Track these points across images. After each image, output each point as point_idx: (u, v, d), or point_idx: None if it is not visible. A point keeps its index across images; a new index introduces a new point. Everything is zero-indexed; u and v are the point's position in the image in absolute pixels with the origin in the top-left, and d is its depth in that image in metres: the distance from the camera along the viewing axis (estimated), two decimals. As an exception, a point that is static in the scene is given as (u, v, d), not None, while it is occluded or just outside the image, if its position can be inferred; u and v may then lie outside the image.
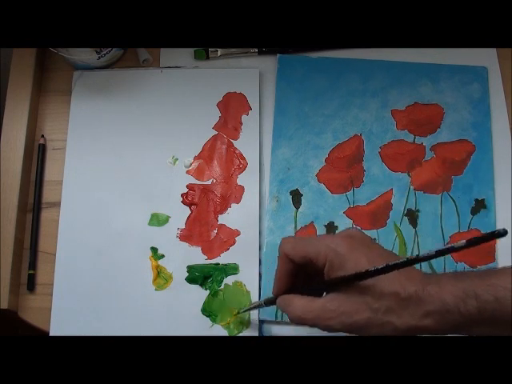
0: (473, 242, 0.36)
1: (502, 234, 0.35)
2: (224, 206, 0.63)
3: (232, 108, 0.66)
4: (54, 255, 0.61)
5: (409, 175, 0.64)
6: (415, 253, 0.61)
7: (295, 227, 0.62)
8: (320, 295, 0.46)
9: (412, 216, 0.63)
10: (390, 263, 0.41)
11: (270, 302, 0.51)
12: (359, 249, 0.45)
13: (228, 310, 0.59)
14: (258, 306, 0.56)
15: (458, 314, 0.41)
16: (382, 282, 0.43)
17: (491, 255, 0.61)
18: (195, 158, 0.65)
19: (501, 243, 0.61)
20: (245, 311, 0.58)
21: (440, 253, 0.39)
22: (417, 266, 0.60)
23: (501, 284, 0.41)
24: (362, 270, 0.42)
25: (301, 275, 0.48)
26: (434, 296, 0.42)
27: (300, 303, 0.46)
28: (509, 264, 0.59)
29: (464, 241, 0.37)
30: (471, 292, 0.41)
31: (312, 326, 0.45)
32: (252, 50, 0.69)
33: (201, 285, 0.60)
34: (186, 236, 0.62)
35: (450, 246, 0.38)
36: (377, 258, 0.44)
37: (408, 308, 0.42)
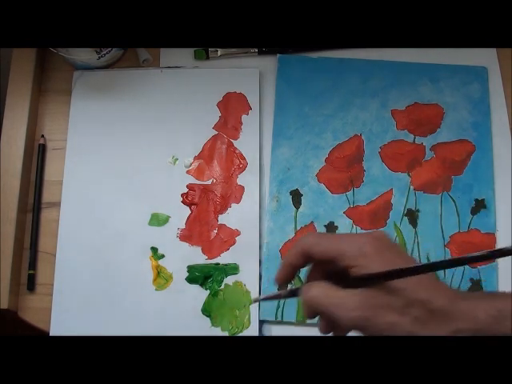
0: None
1: None
2: (224, 206, 0.63)
3: (232, 108, 0.66)
4: (54, 255, 0.61)
5: (409, 175, 0.64)
6: (415, 253, 0.61)
7: (295, 227, 0.62)
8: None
9: (412, 216, 0.63)
10: (431, 261, 0.38)
11: (292, 293, 0.47)
12: (385, 252, 0.42)
13: (228, 309, 0.59)
14: (276, 297, 0.52)
15: (491, 334, 0.39)
16: (412, 288, 0.39)
17: (491, 255, 0.61)
18: (195, 158, 0.65)
19: (500, 244, 0.62)
20: (263, 299, 0.55)
21: (496, 254, 0.35)
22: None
23: None
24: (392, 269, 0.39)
25: (317, 271, 0.45)
26: (465, 312, 0.39)
27: (321, 286, 0.43)
28: (509, 266, 0.59)
29: None
30: (507, 312, 0.38)
31: (320, 312, 0.43)
32: (252, 50, 0.69)
33: (201, 285, 0.60)
34: (186, 236, 0.62)
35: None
36: (402, 263, 0.40)
37: (435, 321, 0.39)
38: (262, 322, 0.59)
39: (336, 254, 0.43)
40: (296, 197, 0.63)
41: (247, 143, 0.65)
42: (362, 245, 0.42)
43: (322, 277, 0.45)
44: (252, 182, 0.64)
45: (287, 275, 0.46)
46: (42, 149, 0.65)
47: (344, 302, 0.41)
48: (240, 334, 0.58)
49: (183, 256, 0.61)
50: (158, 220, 0.62)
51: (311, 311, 0.43)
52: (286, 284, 0.46)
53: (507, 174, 0.64)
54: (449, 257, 0.61)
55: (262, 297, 0.56)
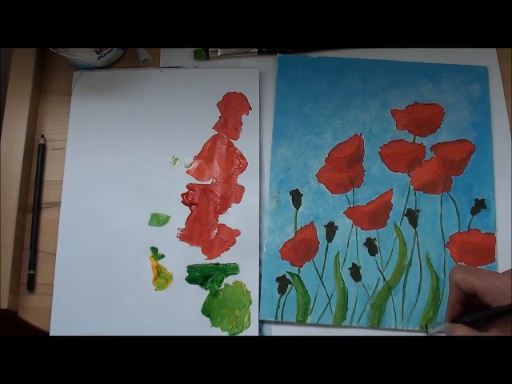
0: None
1: None
2: (224, 206, 0.63)
3: (232, 108, 0.66)
4: (54, 255, 0.61)
5: (409, 175, 0.64)
6: (415, 253, 0.61)
7: (295, 227, 0.62)
8: (485, 324, 0.50)
9: (412, 216, 0.63)
10: None
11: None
12: None
13: (228, 309, 0.59)
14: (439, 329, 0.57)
15: None
16: None
17: (491, 256, 0.61)
18: (195, 158, 0.65)
19: (500, 244, 0.61)
20: (433, 331, 0.57)
21: None
22: (416, 272, 0.61)
23: None
24: None
25: (470, 303, 0.52)
26: None
27: (462, 331, 0.50)
28: (508, 265, 0.59)
29: None
30: None
31: None
32: (252, 50, 0.69)
33: (201, 285, 0.60)
34: (186, 236, 0.62)
35: None
36: None
37: None
38: (262, 322, 0.59)
39: (479, 290, 0.49)
40: (296, 197, 0.63)
41: (247, 143, 0.65)
42: (505, 286, 0.48)
43: (463, 305, 0.52)
44: (252, 182, 0.64)
45: (455, 311, 0.53)
46: (42, 149, 0.65)
47: None
48: (240, 334, 0.58)
49: (183, 256, 0.61)
50: (158, 220, 0.62)
51: None
52: (456, 318, 0.53)
53: (507, 174, 0.64)
54: (449, 257, 0.61)
55: (432, 329, 0.57)
